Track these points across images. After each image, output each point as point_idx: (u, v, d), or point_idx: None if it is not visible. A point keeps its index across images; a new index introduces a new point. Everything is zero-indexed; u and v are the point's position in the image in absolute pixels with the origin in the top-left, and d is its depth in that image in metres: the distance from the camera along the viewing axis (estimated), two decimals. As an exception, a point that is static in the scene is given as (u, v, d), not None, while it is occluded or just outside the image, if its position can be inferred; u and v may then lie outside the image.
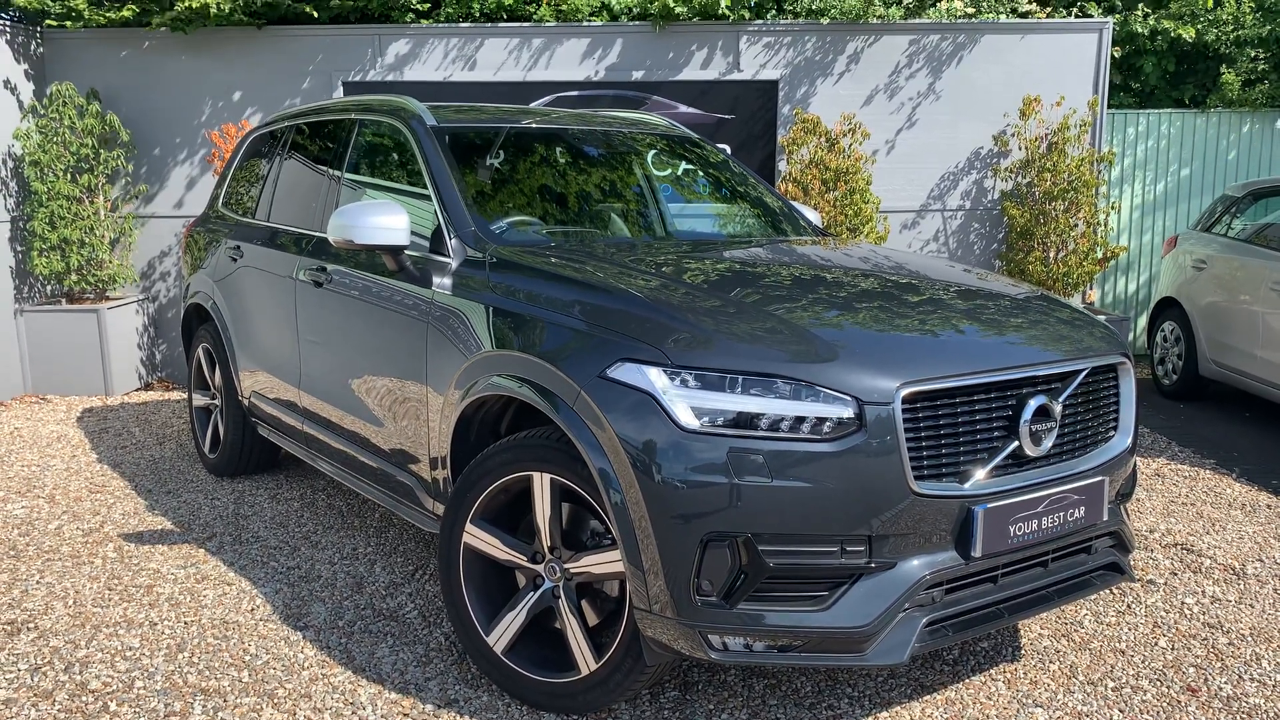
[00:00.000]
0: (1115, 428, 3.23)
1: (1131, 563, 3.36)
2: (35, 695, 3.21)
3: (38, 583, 4.09)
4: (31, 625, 3.70)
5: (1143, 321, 9.02)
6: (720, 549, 2.65)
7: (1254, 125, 8.95)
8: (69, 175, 7.42)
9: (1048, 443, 2.93)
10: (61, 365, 7.50)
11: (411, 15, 7.77)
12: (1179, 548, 4.53)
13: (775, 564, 2.64)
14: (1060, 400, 2.97)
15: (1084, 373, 3.07)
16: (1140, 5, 9.03)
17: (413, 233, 3.71)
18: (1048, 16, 8.42)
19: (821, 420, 2.66)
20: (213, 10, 7.17)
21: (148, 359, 8.01)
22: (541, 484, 3.04)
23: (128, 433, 6.49)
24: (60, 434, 6.45)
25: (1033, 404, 2.88)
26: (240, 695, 3.22)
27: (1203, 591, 4.06)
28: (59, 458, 5.91)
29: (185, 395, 7.55)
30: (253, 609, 3.85)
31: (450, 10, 7.75)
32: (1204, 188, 9.01)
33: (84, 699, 3.19)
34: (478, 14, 7.71)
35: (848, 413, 2.66)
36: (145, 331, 7.97)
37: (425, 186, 3.88)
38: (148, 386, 7.93)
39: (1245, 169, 9.00)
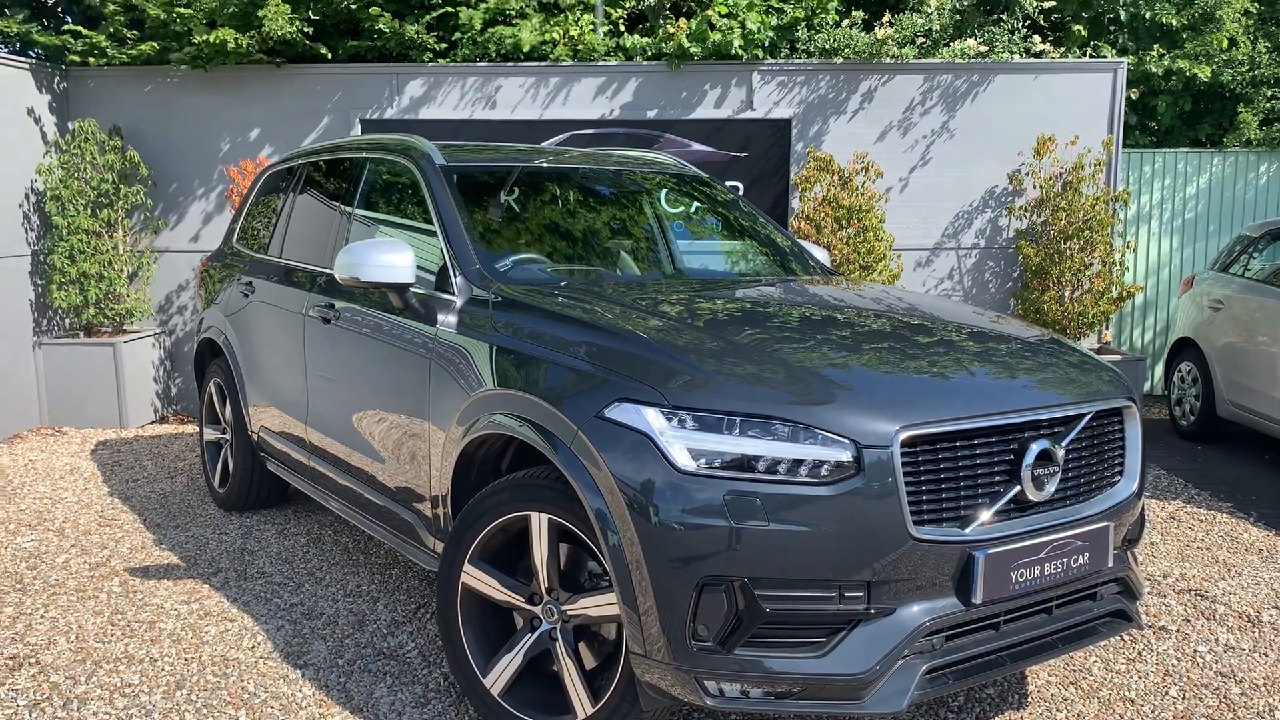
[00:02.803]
0: (1121, 472, 3.19)
1: (1140, 609, 3.30)
2: (32, 732, 3.21)
3: (42, 617, 4.10)
4: (33, 660, 3.70)
5: (1159, 363, 8.94)
6: (716, 593, 2.63)
7: (1271, 164, 8.91)
8: (89, 210, 7.52)
9: (1050, 487, 2.89)
10: (78, 397, 7.55)
11: (429, 55, 7.85)
12: (1193, 594, 4.45)
13: (772, 609, 2.61)
14: (1064, 444, 2.94)
15: (1088, 416, 3.04)
16: (1156, 46, 9.03)
17: (421, 269, 3.73)
18: (1061, 56, 8.43)
19: (819, 463, 2.64)
20: (230, 47, 7.28)
21: (163, 392, 8.07)
22: (539, 524, 3.03)
23: (140, 466, 6.52)
24: (73, 466, 6.49)
25: (1035, 448, 2.85)
26: (236, 734, 3.20)
27: (1216, 639, 3.98)
28: (71, 490, 5.95)
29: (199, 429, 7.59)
30: (253, 646, 3.84)
31: (467, 51, 7.84)
32: (1221, 227, 8.96)
33: (80, 736, 3.18)
34: (494, 54, 7.79)
35: (845, 456, 2.64)
36: (161, 365, 8.04)
37: (432, 224, 3.90)
38: (162, 419, 7.98)
39: (1263, 208, 8.94)
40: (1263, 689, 3.57)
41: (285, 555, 4.84)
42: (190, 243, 8.02)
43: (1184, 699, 3.49)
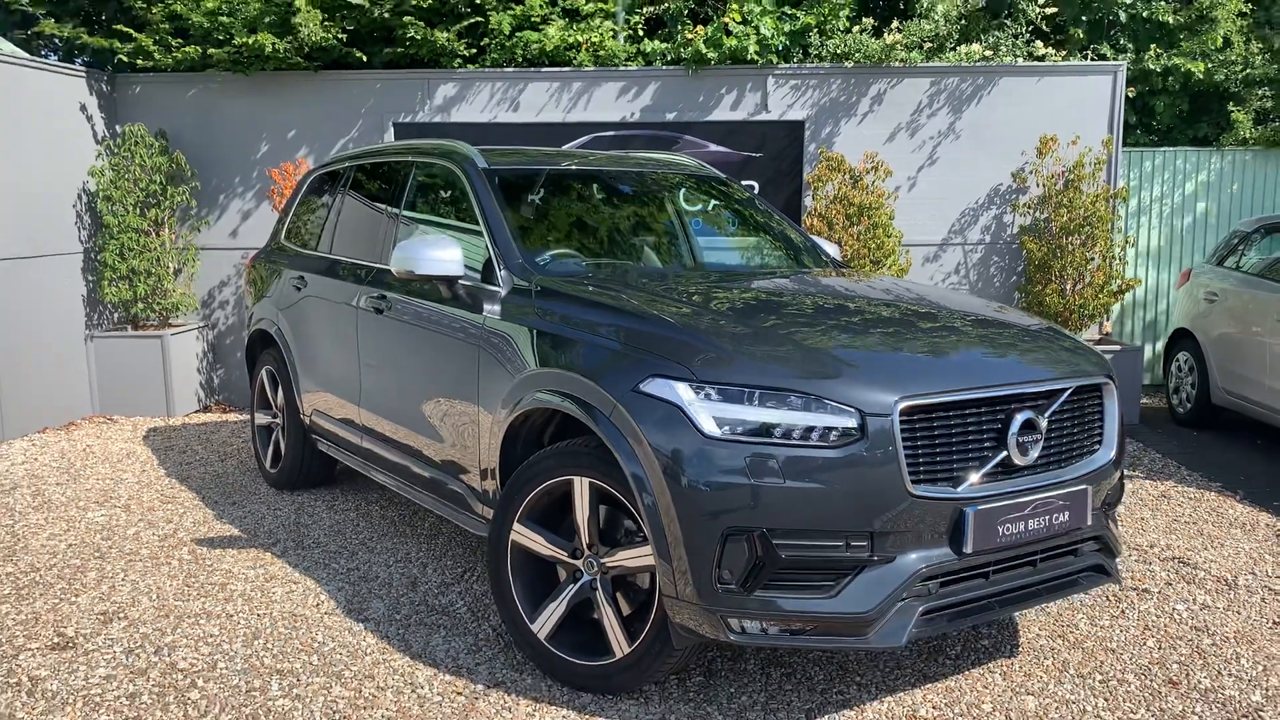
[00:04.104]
0: (1100, 442, 3.56)
1: (1118, 566, 3.67)
2: (131, 673, 3.62)
3: (123, 580, 4.52)
4: (121, 615, 4.12)
5: (1158, 350, 9.28)
6: (739, 542, 3.02)
7: (1267, 162, 9.23)
8: (138, 209, 7.95)
9: (1034, 453, 3.27)
10: (127, 387, 7.99)
11: (459, 61, 8.26)
12: (1176, 561, 4.82)
13: (787, 555, 3.00)
14: (1046, 415, 3.32)
15: (1068, 391, 3.42)
16: (1154, 46, 9.36)
17: (465, 265, 4.13)
18: (1063, 59, 8.77)
19: (829, 429, 3.02)
20: (268, 51, 7.70)
21: (206, 383, 8.50)
22: (581, 487, 3.42)
23: (191, 450, 6.95)
24: (129, 451, 6.91)
25: (1020, 418, 3.23)
26: (311, 675, 3.60)
27: (1194, 599, 4.35)
28: (130, 472, 6.37)
29: (241, 417, 8.02)
30: (318, 604, 4.25)
31: (495, 56, 8.24)
32: (1219, 222, 9.29)
33: (174, 676, 3.59)
34: (520, 60, 8.19)
35: (851, 423, 3.02)
36: (205, 356, 8.47)
37: (475, 222, 4.30)
38: (206, 409, 8.41)
39: (1259, 204, 9.27)
40: (1232, 640, 3.94)
41: (337, 527, 5.25)
42: (232, 240, 8.44)
43: (1160, 649, 3.87)
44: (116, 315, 8.32)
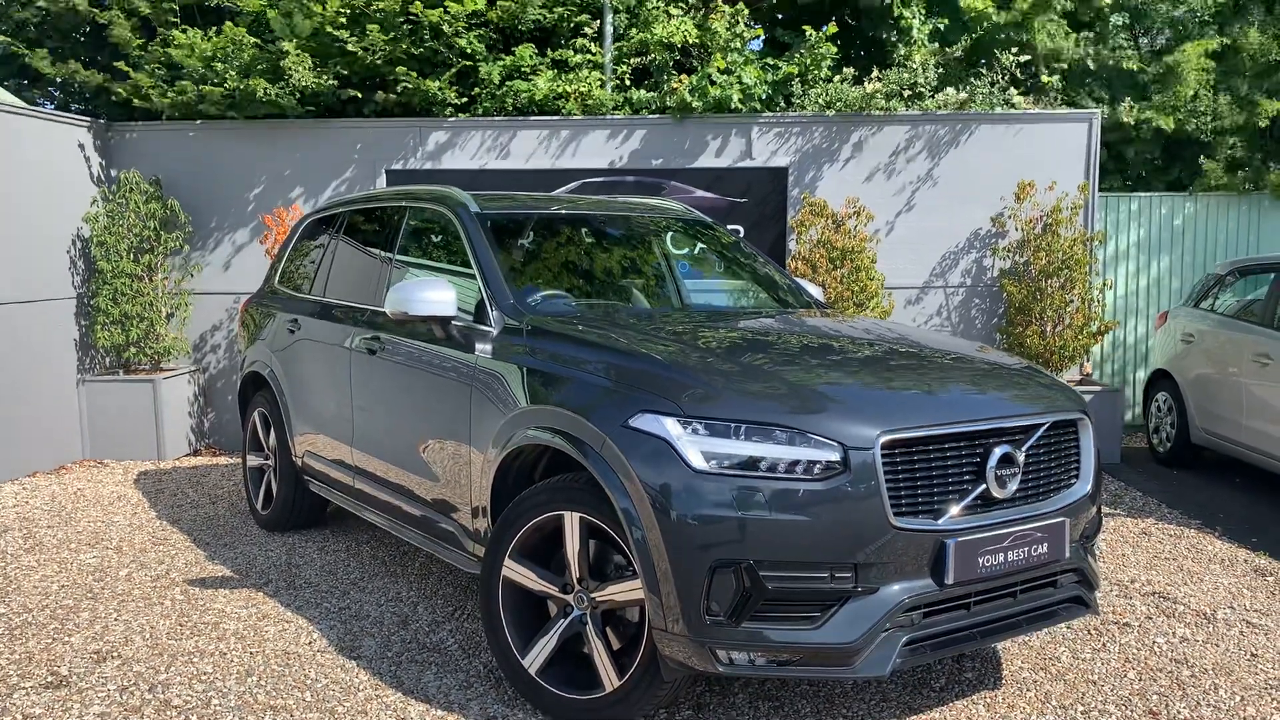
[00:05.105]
0: (1077, 476, 3.66)
1: (1097, 598, 3.75)
2: (125, 710, 3.65)
3: (115, 619, 4.55)
4: (115, 654, 4.15)
5: (1138, 393, 9.42)
6: (726, 574, 3.09)
7: (1240, 207, 9.46)
8: (131, 255, 8.04)
9: (1012, 486, 3.37)
10: (118, 431, 8.03)
11: (450, 109, 8.42)
12: (1156, 595, 4.90)
13: (774, 587, 3.07)
14: (1024, 450, 3.42)
15: (1045, 426, 3.52)
16: (1128, 99, 9.63)
17: (458, 307, 4.23)
18: (1034, 106, 9.00)
19: (813, 463, 3.12)
20: (259, 95, 7.85)
21: (197, 426, 8.54)
22: (572, 522, 3.50)
23: (182, 493, 6.98)
24: (120, 494, 6.94)
25: (998, 452, 3.33)
26: (305, 711, 3.64)
27: (1173, 633, 4.43)
28: (121, 514, 6.40)
29: (231, 461, 8.06)
30: (310, 642, 4.28)
31: (486, 105, 8.41)
32: (1195, 265, 9.49)
33: (168, 713, 3.62)
34: (510, 108, 8.36)
35: (834, 456, 3.12)
36: (196, 400, 8.52)
37: (468, 265, 4.41)
38: (197, 452, 8.44)
39: (1233, 248, 9.48)
40: (1211, 672, 4.02)
41: (329, 567, 5.29)
42: (224, 285, 8.52)
43: (1140, 680, 3.94)
44: (108, 359, 8.38)
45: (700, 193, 8.19)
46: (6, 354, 7.29)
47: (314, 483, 5.59)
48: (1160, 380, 8.27)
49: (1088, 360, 8.63)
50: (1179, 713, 3.67)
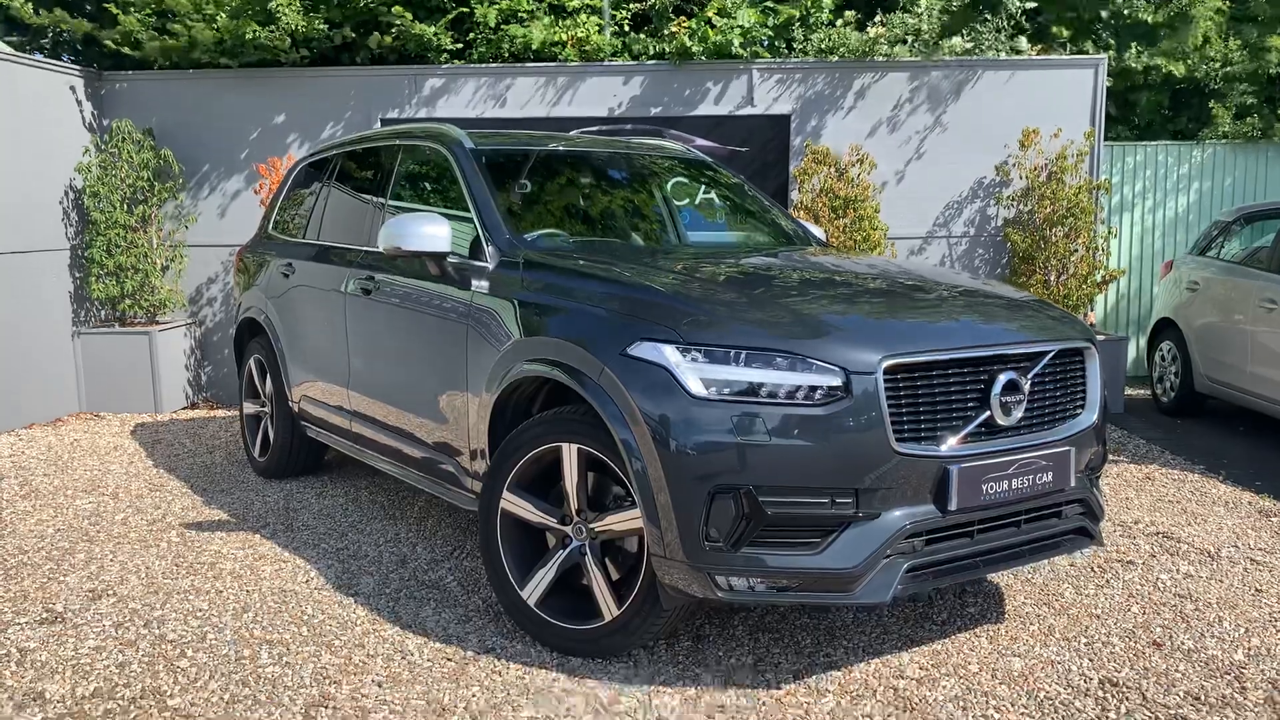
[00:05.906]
0: (1083, 405, 3.60)
1: (1101, 529, 3.70)
2: (121, 644, 3.62)
3: (111, 560, 4.52)
4: (110, 592, 4.12)
5: (1142, 341, 9.36)
6: (725, 500, 3.04)
7: (1247, 156, 9.34)
8: (125, 206, 7.95)
9: (1017, 414, 3.31)
10: (114, 384, 7.98)
11: (445, 56, 8.30)
12: (1160, 535, 4.86)
13: (773, 512, 3.02)
14: (1029, 377, 3.36)
15: (1051, 354, 3.46)
16: (1135, 45, 9.47)
17: (453, 244, 4.15)
18: (1040, 54, 8.86)
19: (814, 388, 3.06)
20: (248, 38, 7.73)
21: (194, 379, 8.49)
22: (570, 454, 3.44)
23: (179, 443, 6.94)
24: (116, 444, 6.90)
25: (1002, 379, 3.27)
26: (301, 645, 3.61)
27: (1177, 570, 4.39)
28: (117, 463, 6.36)
29: (228, 414, 8.02)
30: (307, 580, 4.25)
31: (481, 51, 8.28)
32: (1201, 214, 9.39)
33: (163, 647, 3.60)
34: (506, 55, 8.23)
35: (836, 381, 3.06)
36: (192, 353, 8.46)
37: (464, 203, 4.32)
38: (193, 405, 8.40)
39: (1239, 197, 9.37)
40: (1214, 606, 3.98)
41: (326, 511, 5.26)
42: (220, 236, 8.44)
43: (1143, 614, 3.90)
44: (104, 312, 8.31)
45: (700, 141, 8.00)
46: (0, 305, 7.22)
47: (311, 428, 5.55)
48: (1164, 329, 8.20)
49: (1092, 310, 8.56)
50: (1183, 643, 3.63)
